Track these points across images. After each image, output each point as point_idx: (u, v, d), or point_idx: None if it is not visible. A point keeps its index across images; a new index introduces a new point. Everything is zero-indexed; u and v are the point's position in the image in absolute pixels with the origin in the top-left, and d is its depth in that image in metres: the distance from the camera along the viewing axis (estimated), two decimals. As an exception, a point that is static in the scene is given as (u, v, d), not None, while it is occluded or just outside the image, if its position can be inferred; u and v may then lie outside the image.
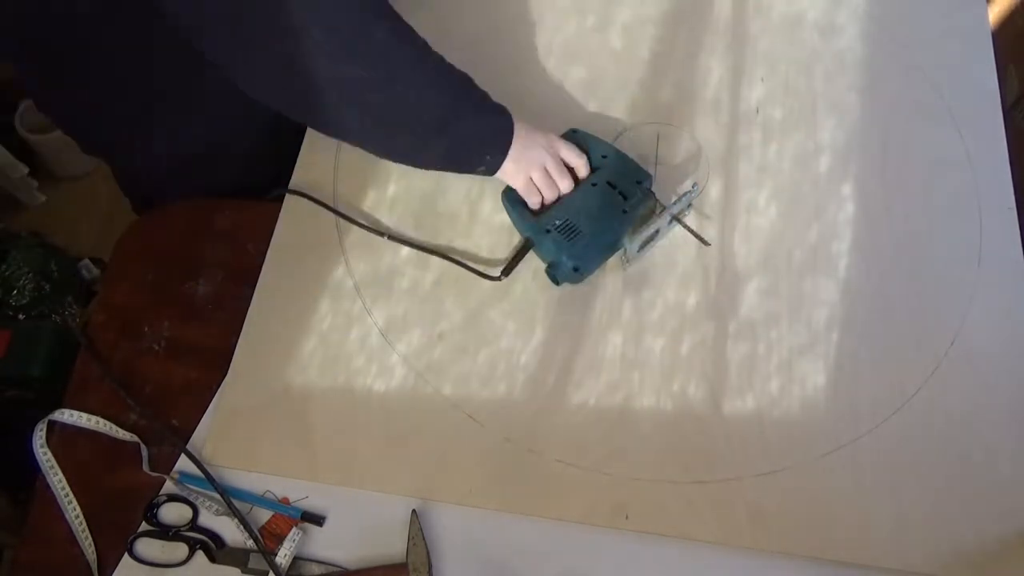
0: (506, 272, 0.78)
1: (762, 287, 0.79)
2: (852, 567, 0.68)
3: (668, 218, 0.78)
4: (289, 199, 0.84)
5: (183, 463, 0.72)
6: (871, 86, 0.91)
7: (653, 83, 0.91)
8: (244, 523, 0.69)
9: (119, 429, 0.73)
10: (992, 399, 0.74)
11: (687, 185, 0.84)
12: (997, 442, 0.73)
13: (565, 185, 0.79)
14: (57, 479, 0.71)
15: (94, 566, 0.69)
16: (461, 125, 0.73)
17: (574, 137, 0.82)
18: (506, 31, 0.95)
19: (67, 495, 0.71)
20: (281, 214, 0.83)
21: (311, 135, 0.88)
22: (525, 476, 0.71)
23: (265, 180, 0.86)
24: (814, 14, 0.95)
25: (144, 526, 0.70)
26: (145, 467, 0.72)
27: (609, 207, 0.79)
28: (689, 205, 0.81)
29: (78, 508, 0.71)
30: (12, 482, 1.16)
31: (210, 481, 0.71)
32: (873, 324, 0.78)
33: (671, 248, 0.81)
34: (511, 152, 0.76)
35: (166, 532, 0.70)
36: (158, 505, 0.71)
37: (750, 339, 0.77)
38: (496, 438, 0.73)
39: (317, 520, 0.70)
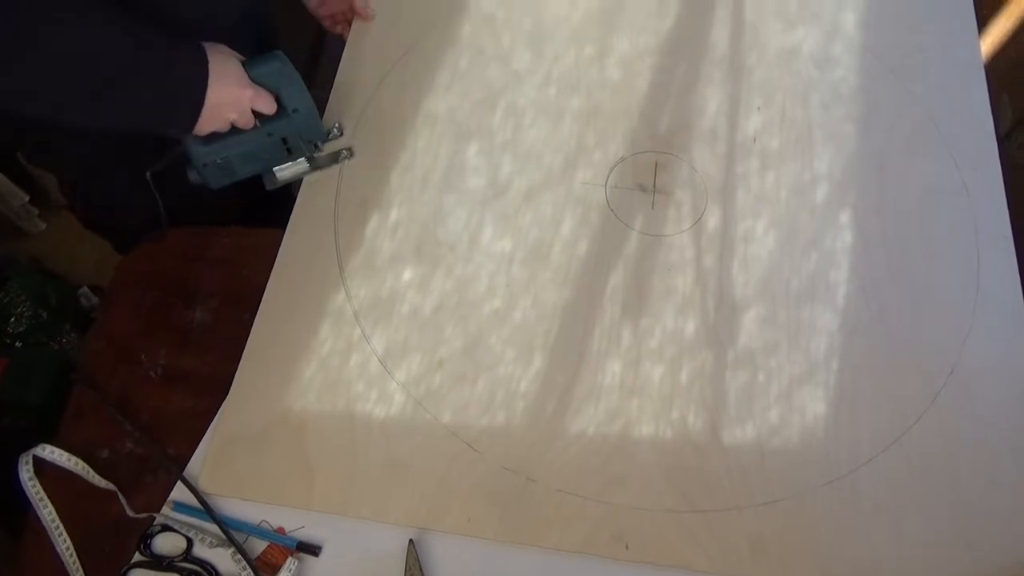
0: (155, 169, 0.79)
1: (760, 315, 0.79)
2: None
3: (306, 165, 0.86)
4: (291, 226, 0.84)
5: (178, 493, 0.72)
6: (866, 116, 0.91)
7: (651, 113, 0.92)
8: (241, 551, 0.68)
9: (96, 475, 0.72)
10: (991, 428, 0.74)
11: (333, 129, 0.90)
12: (997, 472, 0.72)
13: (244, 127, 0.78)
14: (47, 511, 0.71)
15: (86, 597, 0.68)
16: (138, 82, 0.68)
17: (277, 67, 0.78)
18: (503, 58, 0.96)
19: (58, 527, 0.70)
20: (284, 239, 0.84)
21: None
22: (524, 505, 0.71)
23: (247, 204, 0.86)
24: (810, 46, 0.97)
25: (137, 557, 0.69)
26: (128, 511, 0.71)
27: (272, 157, 0.83)
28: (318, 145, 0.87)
29: (69, 540, 0.70)
30: (8, 511, 1.15)
31: (206, 509, 0.70)
32: (872, 353, 0.78)
33: (669, 275, 0.81)
34: (199, 120, 0.73)
35: (160, 563, 0.69)
36: (152, 536, 0.70)
37: (749, 367, 0.77)
38: (495, 466, 0.72)
39: (313, 550, 0.69)
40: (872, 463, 0.72)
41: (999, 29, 1.48)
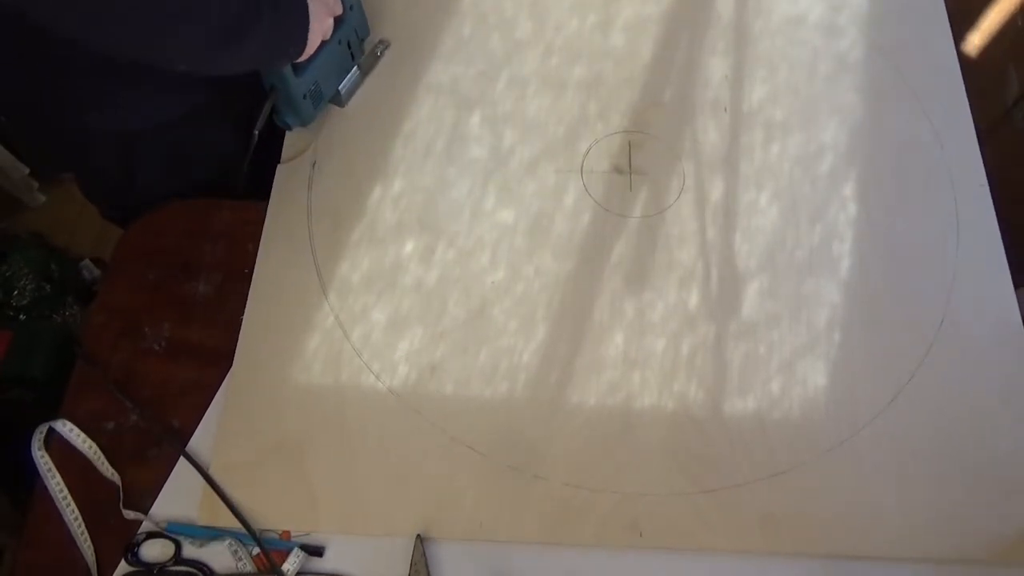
0: (258, 125, 0.80)
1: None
2: (865, 560, 0.69)
3: (358, 71, 0.87)
4: (265, 236, 0.82)
5: (173, 508, 0.70)
6: (837, 72, 0.92)
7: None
8: (257, 540, 0.68)
9: (105, 462, 0.72)
10: (984, 376, 0.75)
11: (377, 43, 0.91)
12: (993, 419, 0.73)
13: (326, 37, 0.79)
14: (55, 482, 0.71)
15: (93, 568, 0.68)
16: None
17: None
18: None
19: (66, 498, 0.71)
20: (258, 259, 0.81)
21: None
22: (534, 504, 0.70)
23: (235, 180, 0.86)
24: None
25: (125, 568, 0.68)
26: (121, 510, 0.70)
27: (342, 66, 0.84)
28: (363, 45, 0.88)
29: (77, 511, 0.71)
30: (12, 483, 1.16)
31: (213, 487, 0.70)
32: (861, 313, 0.78)
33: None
34: (309, 41, 0.75)
35: (150, 571, 0.68)
36: (137, 545, 0.69)
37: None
38: (499, 466, 0.71)
39: (317, 552, 0.69)
40: (872, 425, 0.73)
41: (1006, 0, 1.46)
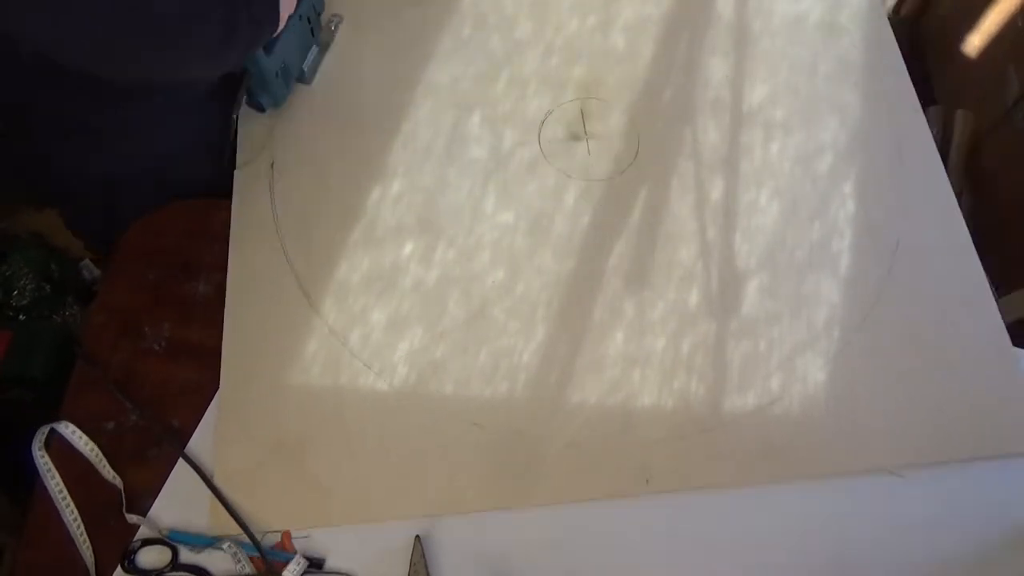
0: (235, 111, 0.82)
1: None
2: (866, 473, 0.72)
3: (316, 47, 0.88)
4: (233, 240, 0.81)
5: (169, 511, 0.70)
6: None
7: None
8: (258, 546, 0.68)
9: (107, 465, 0.72)
10: (942, 285, 0.80)
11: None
12: (955, 324, 0.78)
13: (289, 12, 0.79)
14: (55, 482, 0.71)
15: (92, 569, 0.68)
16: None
17: None
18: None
19: (65, 499, 0.71)
20: (230, 257, 0.80)
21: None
22: (538, 468, 0.71)
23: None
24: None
25: (122, 574, 0.68)
26: (124, 514, 0.70)
27: (304, 43, 0.85)
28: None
29: (76, 512, 0.70)
30: (12, 483, 1.16)
31: (212, 490, 0.70)
32: (824, 240, 0.82)
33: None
34: (280, 15, 0.75)
35: None
36: (134, 552, 0.68)
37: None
38: (504, 436, 0.72)
39: (318, 564, 0.68)
40: (851, 342, 0.77)
41: (1006, 1, 1.46)
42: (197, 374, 0.76)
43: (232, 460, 0.72)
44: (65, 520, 0.70)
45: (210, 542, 0.69)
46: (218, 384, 0.75)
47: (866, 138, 0.88)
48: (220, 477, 0.71)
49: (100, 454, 0.72)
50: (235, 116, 0.83)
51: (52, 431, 0.73)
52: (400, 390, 0.75)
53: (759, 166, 0.86)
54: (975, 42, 1.53)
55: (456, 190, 0.84)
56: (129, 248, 0.84)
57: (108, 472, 0.72)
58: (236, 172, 0.85)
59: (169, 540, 0.69)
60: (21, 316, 1.38)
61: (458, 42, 0.93)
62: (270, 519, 0.70)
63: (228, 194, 0.84)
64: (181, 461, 0.72)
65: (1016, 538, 0.70)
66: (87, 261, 1.54)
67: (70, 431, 0.73)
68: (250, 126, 0.87)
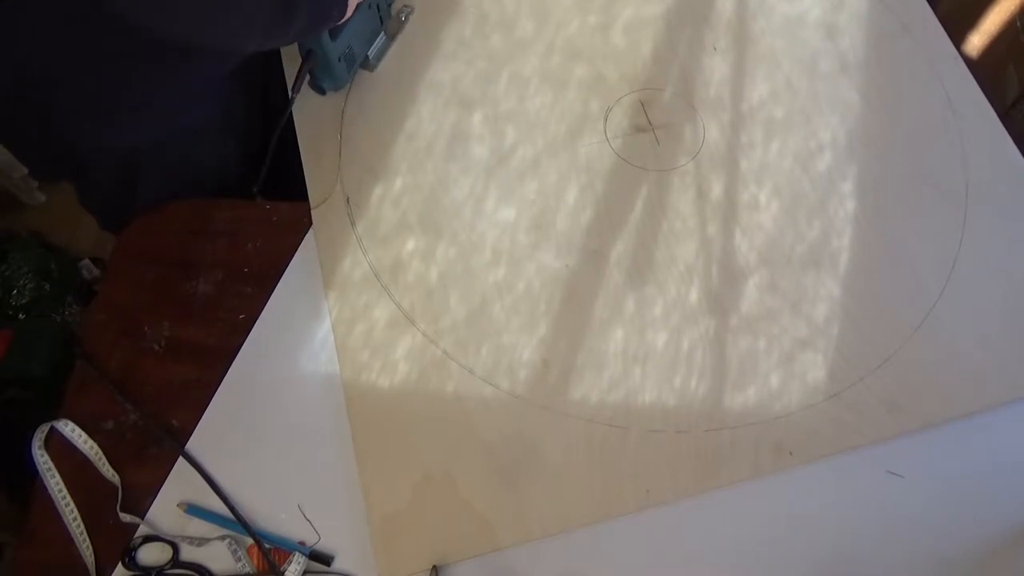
0: (296, 90, 0.83)
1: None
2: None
3: (384, 36, 0.89)
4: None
5: (192, 494, 0.70)
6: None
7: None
8: (257, 540, 0.68)
9: (106, 463, 0.72)
10: None
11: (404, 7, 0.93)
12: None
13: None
14: (54, 481, 0.71)
15: (92, 568, 0.68)
16: None
17: None
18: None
19: (65, 498, 0.71)
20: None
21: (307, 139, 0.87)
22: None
23: (239, 184, 0.86)
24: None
25: (123, 572, 0.68)
26: (118, 513, 0.70)
27: (372, 30, 0.87)
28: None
29: (76, 511, 0.70)
30: (12, 481, 1.16)
31: (214, 488, 0.70)
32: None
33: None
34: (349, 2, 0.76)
35: (148, 575, 0.68)
36: (134, 549, 0.68)
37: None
38: (642, 432, 0.73)
39: (325, 560, 0.68)
40: (880, 370, 0.76)
41: (1006, 1, 1.46)
42: (197, 373, 0.76)
43: (384, 505, 0.70)
44: (65, 519, 0.70)
45: (220, 520, 0.69)
46: (217, 383, 0.75)
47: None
48: (375, 523, 0.69)
49: (100, 453, 0.72)
50: (293, 97, 0.84)
51: (52, 430, 0.73)
52: (528, 399, 0.74)
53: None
54: (975, 42, 1.53)
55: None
56: (129, 247, 0.84)
57: (107, 470, 0.72)
58: (313, 212, 0.83)
59: (164, 536, 0.69)
60: (21, 315, 1.38)
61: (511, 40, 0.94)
62: (438, 554, 0.68)
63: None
64: (181, 460, 0.72)
65: (1016, 538, 0.70)
66: (87, 261, 1.54)
67: (70, 429, 0.73)
68: (318, 162, 0.86)
